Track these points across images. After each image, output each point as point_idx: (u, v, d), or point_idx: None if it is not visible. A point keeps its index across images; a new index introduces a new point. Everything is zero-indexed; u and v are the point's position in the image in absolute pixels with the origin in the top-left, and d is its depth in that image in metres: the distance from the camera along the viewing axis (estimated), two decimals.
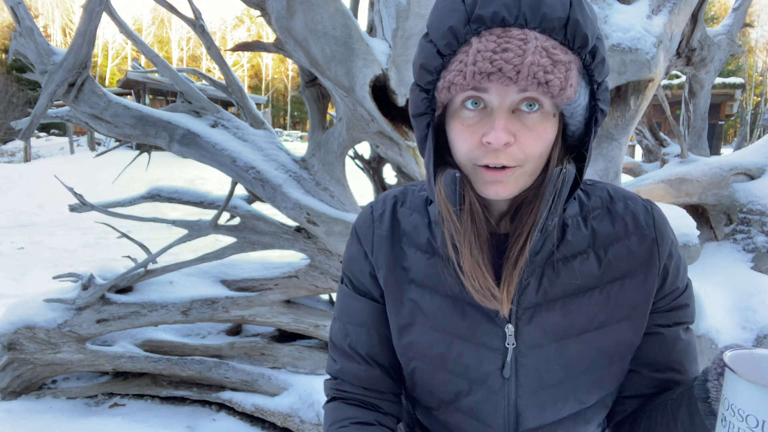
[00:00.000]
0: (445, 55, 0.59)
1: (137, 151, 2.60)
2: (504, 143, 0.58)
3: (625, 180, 2.83)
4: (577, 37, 0.57)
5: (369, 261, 0.75)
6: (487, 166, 0.61)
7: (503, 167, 0.61)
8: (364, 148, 3.29)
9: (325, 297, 2.79)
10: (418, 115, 0.65)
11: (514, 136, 0.59)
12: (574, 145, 0.66)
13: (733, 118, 17.27)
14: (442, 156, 0.67)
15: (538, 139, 0.60)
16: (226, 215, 2.52)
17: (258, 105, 19.95)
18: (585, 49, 0.58)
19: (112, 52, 39.56)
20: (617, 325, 0.67)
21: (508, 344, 0.67)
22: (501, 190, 0.62)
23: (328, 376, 0.81)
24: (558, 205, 0.63)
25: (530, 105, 0.59)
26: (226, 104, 14.86)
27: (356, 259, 0.77)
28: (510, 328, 0.67)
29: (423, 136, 0.66)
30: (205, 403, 2.55)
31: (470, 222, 0.64)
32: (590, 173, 2.30)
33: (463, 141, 0.62)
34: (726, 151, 7.48)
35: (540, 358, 0.67)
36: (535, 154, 0.61)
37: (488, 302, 0.64)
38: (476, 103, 0.60)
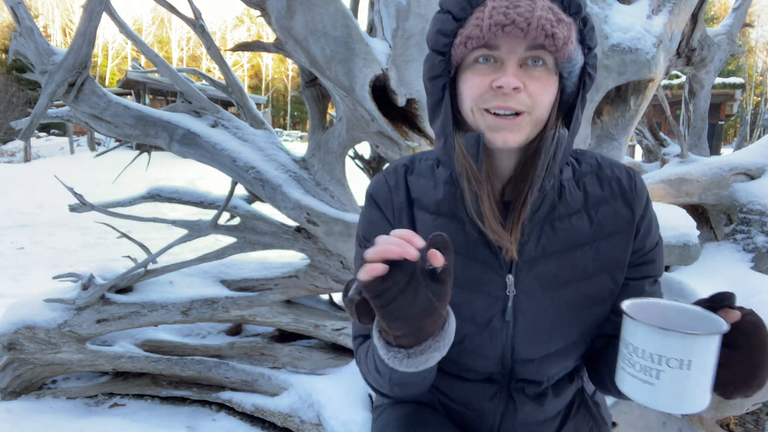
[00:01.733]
0: (459, 19, 0.69)
1: (137, 151, 2.60)
2: (513, 87, 0.67)
3: None
4: (572, 4, 0.68)
5: (390, 223, 0.83)
6: (496, 114, 0.70)
7: (515, 115, 0.69)
8: (364, 148, 3.29)
9: (325, 297, 2.79)
10: (434, 77, 0.74)
11: (523, 84, 0.68)
12: (567, 111, 0.76)
13: (733, 118, 17.26)
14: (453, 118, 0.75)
15: (543, 87, 0.69)
16: (226, 215, 2.52)
17: (258, 105, 19.95)
18: (579, 15, 0.69)
19: (112, 52, 39.54)
20: (601, 275, 0.78)
21: (508, 292, 0.77)
22: (510, 137, 0.70)
23: (355, 338, 0.89)
24: (554, 167, 0.72)
25: (535, 61, 0.68)
26: (226, 104, 14.86)
27: (377, 223, 0.85)
28: (510, 279, 0.76)
29: (437, 100, 0.75)
30: (205, 403, 2.55)
31: (487, 175, 0.74)
32: None
33: (473, 87, 0.71)
34: (726, 151, 7.47)
35: (535, 304, 0.77)
36: (542, 102, 0.70)
37: (501, 239, 0.73)
38: (487, 59, 0.69)
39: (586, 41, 0.71)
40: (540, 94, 0.69)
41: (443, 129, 0.75)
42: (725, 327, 0.58)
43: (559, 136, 0.71)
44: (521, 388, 0.84)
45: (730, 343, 0.58)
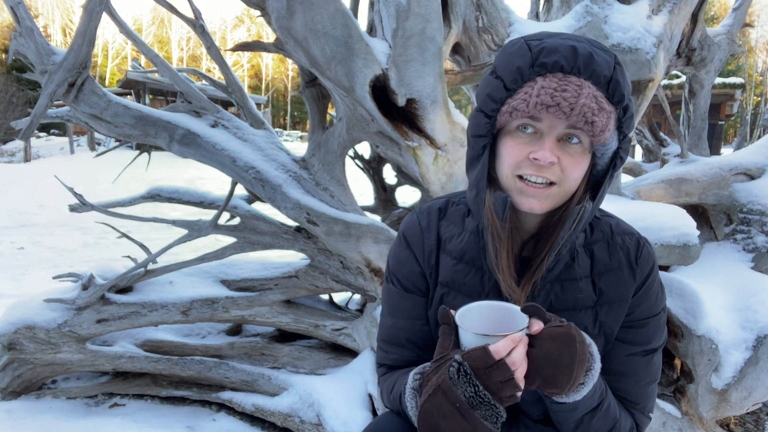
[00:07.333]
0: (510, 89, 0.74)
1: (137, 151, 2.60)
2: (549, 161, 0.72)
3: (625, 180, 2.83)
4: (616, 93, 0.72)
5: (419, 263, 0.91)
6: (528, 181, 0.75)
7: (545, 184, 0.75)
8: (364, 148, 3.29)
9: (325, 297, 2.79)
10: (478, 136, 0.79)
11: (557, 158, 0.73)
12: (595, 182, 0.82)
13: (733, 118, 17.25)
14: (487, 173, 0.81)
15: (576, 164, 0.75)
16: (226, 215, 2.51)
17: (258, 105, 19.95)
18: (621, 104, 0.73)
19: (112, 52, 39.53)
20: (599, 338, 0.84)
21: None
22: (536, 204, 0.76)
23: (379, 365, 0.97)
24: (573, 236, 0.78)
25: (572, 138, 0.74)
26: (226, 104, 14.86)
27: (406, 262, 0.92)
28: None
29: (477, 155, 0.81)
30: (205, 403, 2.55)
31: (509, 235, 0.80)
32: None
33: (511, 154, 0.76)
34: (726, 151, 7.47)
35: None
36: (572, 177, 0.75)
37: (512, 292, 0.80)
38: (529, 128, 0.74)
39: (623, 128, 0.76)
40: (572, 170, 0.75)
41: (477, 183, 0.81)
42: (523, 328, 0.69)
43: (583, 210, 0.76)
44: (524, 411, 0.91)
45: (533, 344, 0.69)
